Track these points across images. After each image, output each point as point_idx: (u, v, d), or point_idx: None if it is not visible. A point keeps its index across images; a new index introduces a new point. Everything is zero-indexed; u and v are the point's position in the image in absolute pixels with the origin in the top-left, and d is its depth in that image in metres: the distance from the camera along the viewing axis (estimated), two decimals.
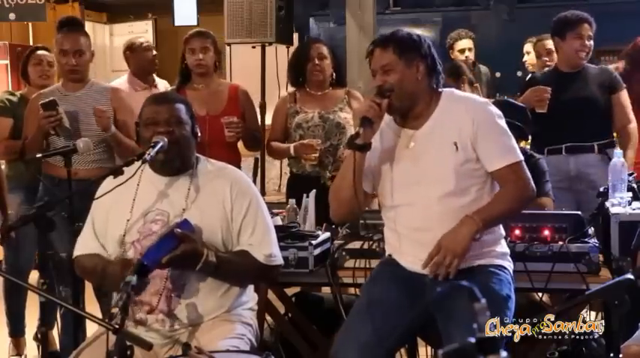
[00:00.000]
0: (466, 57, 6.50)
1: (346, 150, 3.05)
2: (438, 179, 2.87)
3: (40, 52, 5.07)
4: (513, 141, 2.94)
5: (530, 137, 4.53)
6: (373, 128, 2.85)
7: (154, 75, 5.65)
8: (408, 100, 2.91)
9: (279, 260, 2.96)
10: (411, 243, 2.91)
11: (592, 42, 4.60)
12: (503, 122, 2.94)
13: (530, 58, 6.59)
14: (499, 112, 2.96)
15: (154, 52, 5.61)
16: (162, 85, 5.59)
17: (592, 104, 4.56)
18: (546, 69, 5.24)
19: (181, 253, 2.69)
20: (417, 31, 3.08)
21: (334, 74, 4.66)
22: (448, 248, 2.80)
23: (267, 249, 2.90)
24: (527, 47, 6.67)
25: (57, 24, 4.39)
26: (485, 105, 2.97)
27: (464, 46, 6.55)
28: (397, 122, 2.99)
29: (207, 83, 4.57)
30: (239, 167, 4.50)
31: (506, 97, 4.86)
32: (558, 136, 4.58)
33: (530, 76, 5.29)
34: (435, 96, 2.96)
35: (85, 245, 2.99)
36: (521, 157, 2.93)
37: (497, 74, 7.05)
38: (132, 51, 5.56)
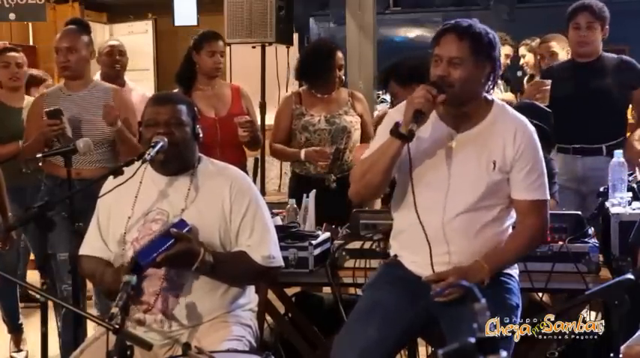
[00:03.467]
0: (507, 64, 6.66)
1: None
2: (468, 191, 2.80)
3: (8, 53, 5.04)
4: (546, 177, 2.88)
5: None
6: (424, 120, 2.72)
7: (126, 80, 5.55)
8: (464, 100, 2.79)
9: (278, 261, 2.95)
10: (422, 248, 2.82)
11: (594, 31, 4.50)
12: (542, 155, 2.89)
13: (526, 59, 6.65)
14: (539, 144, 2.89)
15: (117, 57, 5.48)
16: (137, 93, 5.47)
17: (605, 98, 4.47)
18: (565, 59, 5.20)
19: (177, 252, 2.69)
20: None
21: (342, 78, 4.70)
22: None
23: (265, 250, 2.89)
24: (522, 50, 6.73)
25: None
26: (533, 134, 2.86)
27: (508, 52, 6.65)
28: (441, 117, 2.84)
29: (211, 85, 4.60)
30: (245, 167, 4.52)
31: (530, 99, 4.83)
32: (568, 135, 4.53)
33: (546, 67, 5.24)
34: (486, 104, 2.86)
35: (89, 245, 3.00)
36: (548, 197, 2.89)
37: (519, 73, 7.08)
38: (99, 55, 5.45)
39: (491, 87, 2.87)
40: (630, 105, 4.75)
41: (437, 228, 2.79)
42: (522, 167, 2.81)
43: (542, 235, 2.92)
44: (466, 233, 2.80)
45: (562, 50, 5.78)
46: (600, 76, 4.51)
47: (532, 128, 2.89)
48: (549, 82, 4.45)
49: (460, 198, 2.80)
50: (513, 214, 2.91)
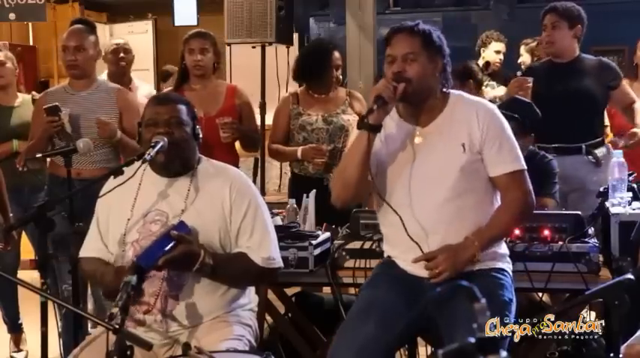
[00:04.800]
0: (500, 59, 6.63)
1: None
2: (443, 178, 2.84)
3: None
4: (518, 149, 2.94)
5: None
6: (386, 109, 2.79)
7: (133, 77, 5.69)
8: (422, 94, 2.86)
9: (278, 263, 2.95)
10: (410, 244, 2.86)
11: (560, 30, 4.53)
12: (509, 129, 2.95)
13: (523, 59, 6.65)
14: (504, 119, 2.96)
15: (122, 54, 5.60)
16: (143, 90, 5.54)
17: (584, 98, 4.51)
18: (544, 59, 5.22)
19: (177, 255, 2.68)
20: None
21: (340, 78, 4.69)
22: (447, 262, 2.80)
23: (265, 251, 2.88)
24: (521, 50, 6.73)
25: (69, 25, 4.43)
26: (494, 111, 2.95)
27: (499, 48, 6.65)
28: (403, 117, 2.94)
29: (204, 84, 4.55)
30: (237, 167, 4.51)
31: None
32: (548, 134, 4.56)
33: (527, 65, 5.27)
34: (443, 96, 2.93)
35: (89, 246, 3.00)
36: (525, 166, 2.93)
37: (519, 73, 7.09)
38: (105, 54, 5.55)
39: (445, 82, 2.93)
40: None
41: (421, 222, 2.83)
42: (492, 144, 2.87)
43: (527, 205, 2.95)
44: (450, 221, 2.84)
45: None
46: (579, 77, 4.55)
47: (492, 106, 2.99)
48: (531, 79, 4.48)
49: (437, 189, 2.85)
50: (494, 196, 2.95)
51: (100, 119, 4.12)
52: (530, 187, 2.94)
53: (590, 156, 4.55)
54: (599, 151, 4.56)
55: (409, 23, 2.91)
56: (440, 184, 2.85)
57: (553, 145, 4.54)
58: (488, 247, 2.88)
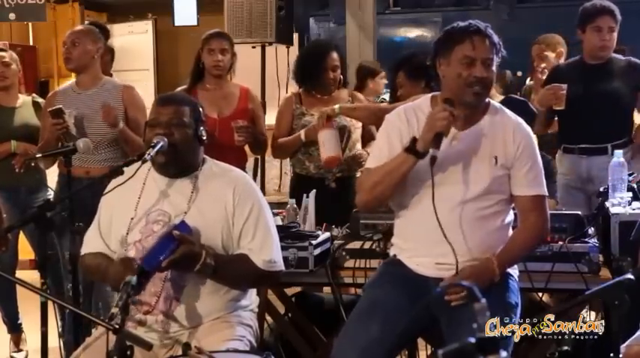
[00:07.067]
0: None
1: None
2: (470, 183, 2.85)
3: None
4: (543, 174, 2.97)
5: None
6: (440, 142, 2.77)
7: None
8: (484, 100, 2.89)
9: (279, 266, 2.94)
10: (423, 244, 2.87)
11: (614, 34, 4.50)
12: (539, 153, 2.98)
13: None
14: (536, 143, 3.00)
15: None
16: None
17: (613, 101, 4.46)
18: (572, 59, 5.16)
19: (180, 255, 2.68)
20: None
21: (341, 78, 4.65)
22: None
23: (267, 254, 2.87)
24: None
25: None
26: (530, 133, 2.98)
27: None
28: None
29: (220, 84, 4.55)
30: (245, 168, 4.51)
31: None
32: (574, 135, 4.53)
33: (553, 66, 5.18)
34: (485, 104, 2.95)
35: (89, 244, 3.00)
36: (547, 193, 2.97)
37: (519, 73, 7.04)
38: None
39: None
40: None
41: (440, 223, 2.81)
42: (523, 164, 2.90)
43: (545, 230, 2.99)
44: (470, 223, 2.84)
45: (553, 52, 5.75)
46: (609, 78, 4.50)
47: (528, 127, 2.99)
48: (565, 86, 4.42)
49: (462, 192, 2.85)
50: (511, 212, 2.96)
51: (106, 103, 4.13)
52: (548, 214, 2.97)
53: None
54: (624, 151, 4.52)
55: (481, 24, 2.87)
56: (465, 189, 2.85)
57: (578, 146, 4.53)
58: (506, 269, 2.91)
